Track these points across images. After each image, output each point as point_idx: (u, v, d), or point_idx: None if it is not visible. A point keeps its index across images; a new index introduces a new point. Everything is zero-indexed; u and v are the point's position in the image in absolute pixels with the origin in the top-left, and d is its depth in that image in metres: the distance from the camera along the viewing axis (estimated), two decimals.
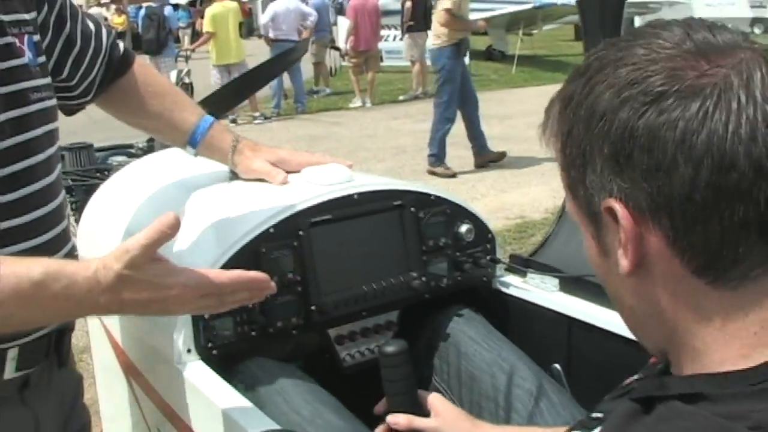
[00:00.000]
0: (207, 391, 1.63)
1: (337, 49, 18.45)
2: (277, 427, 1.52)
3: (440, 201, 2.03)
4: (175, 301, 1.41)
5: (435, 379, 1.99)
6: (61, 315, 1.46)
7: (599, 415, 1.13)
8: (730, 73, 0.86)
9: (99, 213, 2.36)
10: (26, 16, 1.60)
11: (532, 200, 8.64)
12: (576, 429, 1.19)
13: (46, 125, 1.61)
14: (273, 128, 14.22)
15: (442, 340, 2.00)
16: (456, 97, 9.80)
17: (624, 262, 0.91)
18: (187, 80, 14.73)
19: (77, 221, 2.70)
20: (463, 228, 2.05)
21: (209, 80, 14.14)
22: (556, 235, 2.26)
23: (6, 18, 1.54)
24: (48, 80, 1.65)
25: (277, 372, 1.80)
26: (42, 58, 1.65)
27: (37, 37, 1.63)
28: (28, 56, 1.57)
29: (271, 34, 14.90)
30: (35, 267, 1.33)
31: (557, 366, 2.01)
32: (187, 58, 15.90)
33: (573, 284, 2.03)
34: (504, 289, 2.14)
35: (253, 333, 1.79)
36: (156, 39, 15.11)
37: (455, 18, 9.56)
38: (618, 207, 0.89)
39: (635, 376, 1.16)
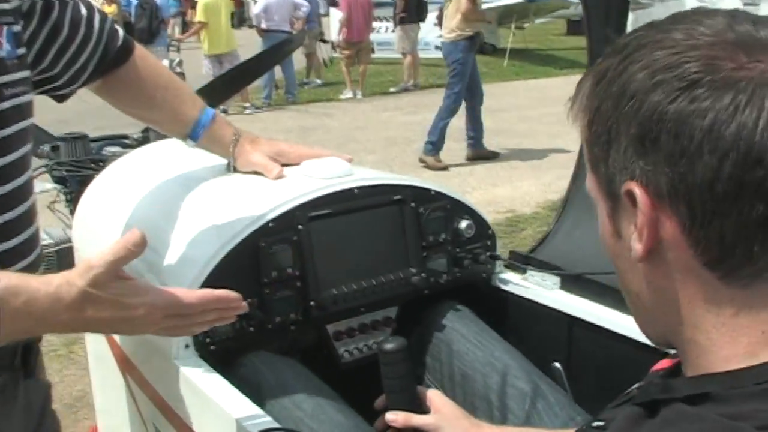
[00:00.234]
0: (205, 388, 1.61)
1: (325, 41, 18.39)
2: (276, 425, 1.51)
3: (440, 196, 2.02)
4: (141, 322, 1.37)
5: (427, 377, 1.97)
6: (20, 332, 1.36)
7: (601, 423, 1.10)
8: None
9: (94, 204, 2.34)
10: (5, 6, 1.53)
11: (522, 194, 8.64)
12: None
13: (20, 123, 1.54)
14: (263, 118, 14.19)
15: (434, 337, 1.99)
16: (464, 90, 9.83)
17: (638, 247, 0.90)
18: (178, 70, 14.71)
19: (72, 213, 2.68)
20: (463, 224, 2.03)
21: (200, 70, 14.09)
22: (557, 232, 2.25)
23: None
24: (26, 74, 1.58)
25: (280, 366, 1.78)
26: (21, 50, 1.57)
27: (17, 28, 1.56)
28: (5, 49, 1.50)
29: (263, 25, 14.86)
30: None
31: (557, 365, 2.00)
32: (178, 48, 15.84)
33: (573, 282, 2.02)
34: (503, 286, 2.13)
35: (252, 329, 1.77)
36: (148, 28, 15.05)
37: (475, 9, 9.61)
38: (638, 191, 0.88)
39: (637, 385, 1.14)
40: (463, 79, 9.78)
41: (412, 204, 1.96)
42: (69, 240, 2.61)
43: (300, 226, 1.81)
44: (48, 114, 2.15)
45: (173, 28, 18.92)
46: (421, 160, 10.03)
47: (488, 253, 2.10)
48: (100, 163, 2.78)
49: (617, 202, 0.93)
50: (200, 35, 14.56)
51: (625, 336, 1.82)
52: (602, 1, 2.14)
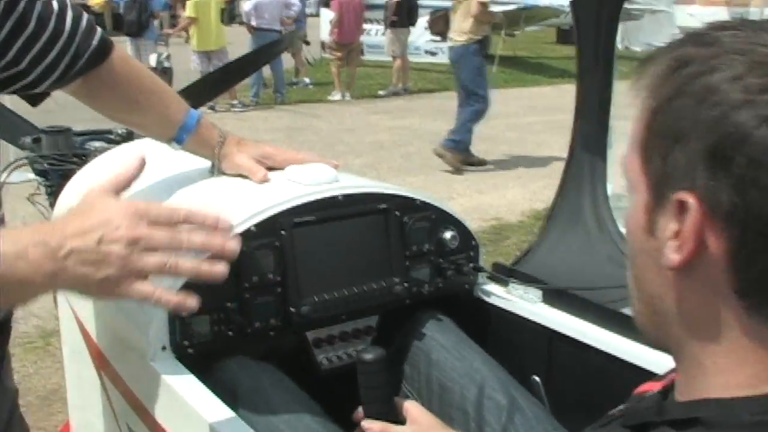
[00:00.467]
0: (181, 391, 1.59)
1: (307, 43, 18.36)
2: (250, 430, 1.49)
3: (426, 206, 2.00)
4: (106, 239, 1.27)
5: (405, 386, 1.96)
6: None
7: None
8: None
9: (75, 199, 2.31)
10: None
11: (508, 202, 8.65)
12: None
13: None
14: (251, 117, 14.17)
15: (414, 346, 1.98)
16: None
17: (674, 256, 0.87)
18: (166, 64, 14.74)
19: (52, 206, 2.65)
20: (447, 234, 2.02)
21: (188, 65, 14.08)
22: (541, 244, 2.24)
23: None
24: None
25: (257, 371, 1.77)
26: None
27: None
28: None
29: (253, 23, 14.87)
30: None
31: (536, 378, 1.99)
32: (166, 42, 15.81)
33: (556, 296, 2.01)
34: (485, 298, 2.11)
35: (230, 333, 1.75)
36: (137, 21, 14.99)
37: (486, 11, 9.66)
38: (693, 202, 0.85)
39: (620, 407, 1.13)
40: (484, 80, 9.90)
41: (397, 213, 1.94)
42: None
43: (283, 232, 1.79)
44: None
45: (161, 22, 18.83)
46: (439, 154, 10.00)
47: (471, 265, 2.09)
48: (83, 157, 2.75)
49: (662, 201, 0.89)
50: (189, 31, 14.53)
51: (606, 352, 1.82)
52: (592, 11, 2.13)
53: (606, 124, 2.27)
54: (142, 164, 1.38)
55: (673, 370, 1.01)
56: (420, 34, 18.91)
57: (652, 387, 1.10)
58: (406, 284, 1.95)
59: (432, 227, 2.01)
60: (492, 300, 2.10)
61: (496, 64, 20.45)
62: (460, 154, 10.01)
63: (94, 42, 1.80)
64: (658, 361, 0.99)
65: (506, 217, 8.06)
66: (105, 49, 1.83)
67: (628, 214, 0.97)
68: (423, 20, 18.27)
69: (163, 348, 1.68)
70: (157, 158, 2.14)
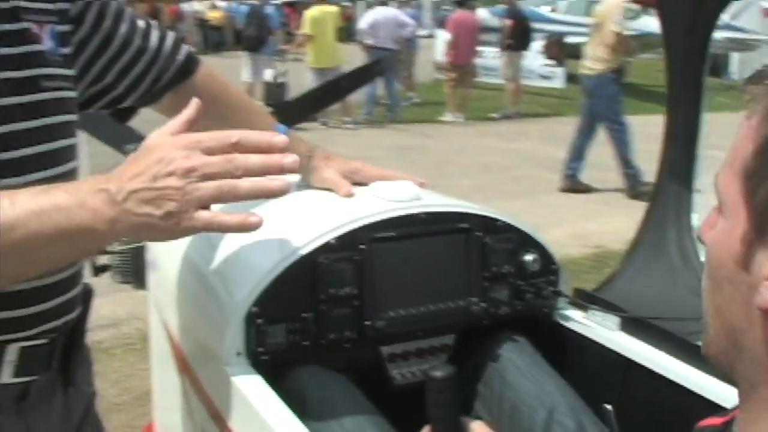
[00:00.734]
0: (251, 397, 1.63)
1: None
2: None
3: (507, 228, 2.01)
4: (160, 166, 1.29)
5: (478, 405, 1.97)
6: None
7: None
8: None
9: None
10: (50, 6, 1.58)
11: (613, 230, 8.51)
12: None
13: (63, 115, 1.58)
14: (362, 135, 14.29)
15: (489, 365, 1.98)
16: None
17: None
18: (281, 79, 15.01)
19: None
20: (529, 257, 2.02)
21: (304, 81, 14.28)
22: (623, 273, 2.22)
23: (23, 4, 1.52)
24: (69, 72, 1.62)
25: (328, 381, 1.79)
26: (66, 49, 1.62)
27: (63, 28, 1.61)
28: (47, 44, 1.55)
29: (368, 41, 15.00)
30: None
31: (608, 406, 1.97)
32: (283, 58, 16.06)
33: (634, 325, 1.99)
34: (564, 323, 2.11)
35: (305, 342, 1.78)
36: (256, 36, 15.28)
37: (622, 39, 9.64)
38: None
39: None
40: (622, 108, 9.99)
41: (478, 233, 1.95)
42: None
43: (362, 247, 1.82)
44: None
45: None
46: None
47: (551, 289, 2.08)
48: None
49: (765, 233, 0.85)
50: (306, 47, 14.74)
51: (681, 385, 1.80)
52: (681, 40, 2.11)
53: (694, 154, 2.24)
54: (199, 107, 1.40)
55: (737, 407, 0.99)
56: (534, 57, 18.86)
57: (714, 421, 1.08)
58: (483, 304, 1.96)
59: (513, 249, 2.01)
60: (570, 325, 2.09)
61: None
62: (632, 183, 9.98)
63: (180, 58, 1.88)
64: (733, 398, 0.96)
65: (609, 244, 7.94)
66: (191, 65, 1.91)
67: (714, 236, 0.93)
68: (538, 44, 18.23)
69: (238, 353, 1.72)
70: None
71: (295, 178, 2.07)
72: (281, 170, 1.35)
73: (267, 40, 15.29)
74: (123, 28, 1.77)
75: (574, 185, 10.23)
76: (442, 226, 1.92)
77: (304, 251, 1.77)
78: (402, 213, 1.88)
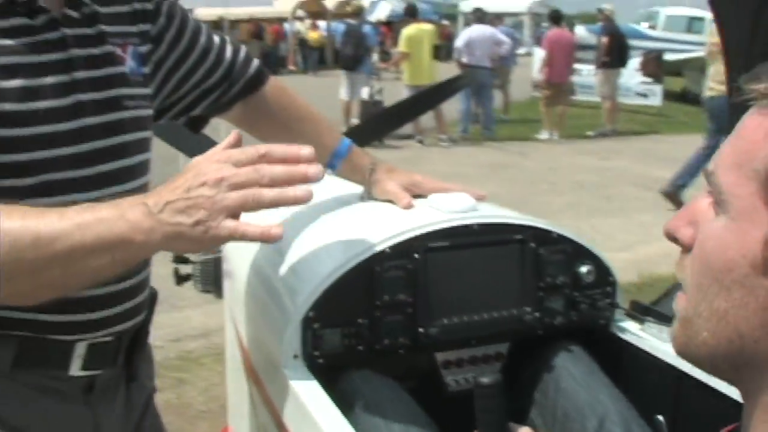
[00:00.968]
0: (305, 398, 1.69)
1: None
2: None
3: (562, 239, 2.04)
4: (194, 184, 1.37)
5: (533, 413, 2.00)
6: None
7: None
8: None
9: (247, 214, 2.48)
10: (132, 29, 1.71)
11: None
12: None
13: (139, 132, 1.70)
14: (457, 152, 14.34)
15: (545, 373, 2.01)
16: None
17: None
18: (377, 98, 15.13)
19: None
20: (584, 268, 2.04)
21: (400, 98, 14.34)
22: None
23: (109, 29, 1.65)
24: (148, 91, 1.75)
25: (379, 387, 1.85)
26: (146, 69, 1.75)
27: (144, 48, 1.74)
28: (129, 65, 1.68)
29: (463, 59, 15.04)
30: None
31: (660, 418, 1.99)
32: (378, 76, 16.18)
33: None
34: (619, 334, 2.12)
35: (360, 347, 1.84)
36: (353, 55, 15.43)
37: None
38: None
39: None
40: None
41: (532, 244, 1.99)
42: (220, 250, 2.77)
43: (416, 256, 1.87)
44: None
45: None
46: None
47: (607, 300, 2.11)
48: None
49: None
50: (402, 65, 14.84)
51: (734, 399, 1.80)
52: (742, 59, 2.11)
53: None
54: (239, 138, 1.47)
55: None
56: (631, 75, 18.64)
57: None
58: (537, 314, 1.99)
59: (567, 260, 2.04)
60: (626, 336, 2.11)
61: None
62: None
63: (250, 71, 2.00)
64: None
65: None
66: (261, 77, 2.03)
67: (716, 235, 0.91)
68: (635, 61, 18.01)
69: (295, 356, 1.79)
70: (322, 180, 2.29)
71: (357, 189, 2.15)
72: (305, 179, 1.41)
73: (364, 58, 15.41)
74: (200, 44, 1.90)
75: (674, 197, 10.06)
76: (495, 237, 1.97)
77: (361, 259, 1.84)
78: (456, 224, 1.93)
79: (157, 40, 1.81)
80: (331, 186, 2.21)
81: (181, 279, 3.03)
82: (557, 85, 15.81)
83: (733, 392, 1.80)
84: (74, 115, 1.57)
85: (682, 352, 0.98)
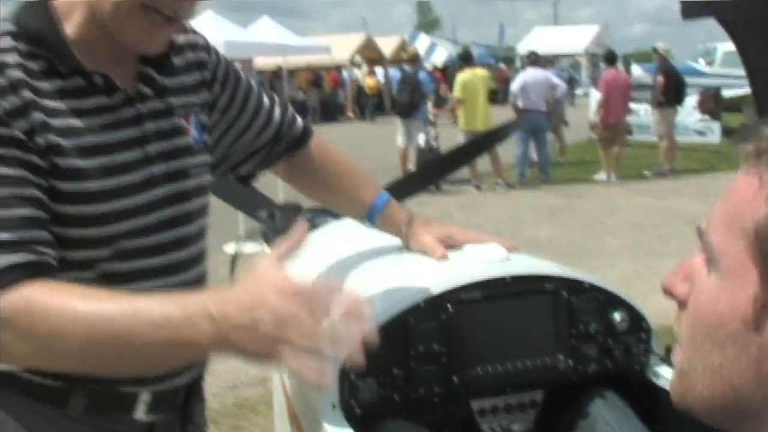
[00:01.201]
0: None
1: (566, 123, 18.30)
2: None
3: (594, 288, 2.08)
4: (256, 312, 1.38)
5: None
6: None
7: None
8: None
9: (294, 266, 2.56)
10: (195, 99, 1.82)
11: None
12: None
13: (201, 198, 1.81)
14: (513, 196, 14.31)
15: (580, 420, 2.04)
16: None
17: None
18: (434, 144, 15.18)
19: None
20: (616, 316, 2.08)
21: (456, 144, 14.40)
22: None
23: (175, 101, 1.76)
24: (208, 158, 1.85)
25: None
26: (207, 137, 1.85)
27: (204, 118, 1.84)
28: (193, 136, 1.78)
29: (519, 103, 15.07)
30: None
31: None
32: (434, 123, 16.22)
33: None
34: (655, 380, 2.14)
35: (396, 397, 1.90)
36: (409, 102, 15.46)
37: None
38: None
39: None
40: None
41: (564, 294, 2.03)
42: None
43: (449, 306, 1.93)
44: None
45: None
46: None
47: (642, 346, 2.13)
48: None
49: None
50: (458, 111, 14.89)
51: None
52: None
53: None
54: (304, 234, 1.53)
55: None
56: (688, 113, 18.51)
57: None
58: (571, 362, 2.03)
59: (600, 308, 2.07)
60: (661, 382, 2.12)
61: None
62: None
63: (297, 130, 2.11)
64: None
65: None
66: (305, 137, 2.14)
67: (707, 292, 0.91)
68: (692, 99, 17.87)
69: (333, 406, 1.85)
70: (361, 232, 2.37)
71: (396, 241, 2.22)
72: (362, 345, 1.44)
73: (420, 105, 15.41)
74: (250, 107, 2.00)
75: None
76: (527, 287, 2.01)
77: (394, 312, 1.90)
78: (488, 276, 1.98)
79: (212, 107, 1.91)
80: (370, 237, 2.28)
81: None
82: (614, 126, 15.69)
83: None
84: (146, 187, 1.67)
85: (679, 404, 0.99)
